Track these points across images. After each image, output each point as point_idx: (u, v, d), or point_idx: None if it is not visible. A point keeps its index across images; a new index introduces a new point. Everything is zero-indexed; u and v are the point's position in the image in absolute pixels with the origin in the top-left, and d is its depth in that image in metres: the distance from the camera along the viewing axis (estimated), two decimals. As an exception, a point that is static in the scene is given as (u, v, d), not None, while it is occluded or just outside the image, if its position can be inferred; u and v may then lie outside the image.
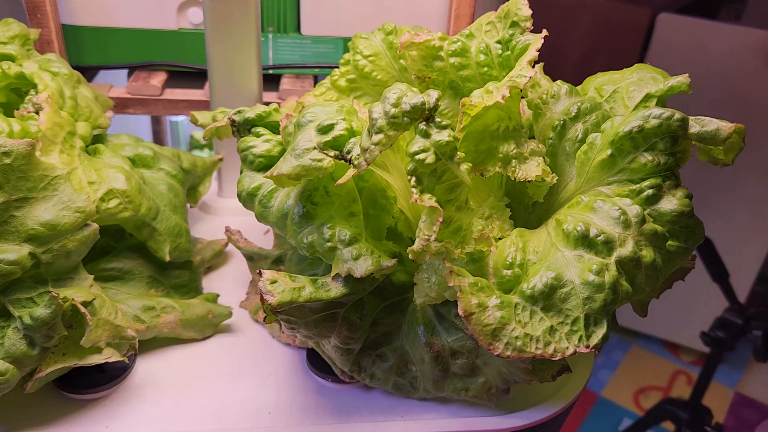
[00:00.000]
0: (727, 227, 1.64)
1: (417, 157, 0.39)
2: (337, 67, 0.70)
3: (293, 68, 0.75)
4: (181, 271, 0.56)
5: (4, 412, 0.46)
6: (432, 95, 0.40)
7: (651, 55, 1.59)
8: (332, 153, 0.42)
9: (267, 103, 0.52)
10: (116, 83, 0.74)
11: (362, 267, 0.41)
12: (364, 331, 0.46)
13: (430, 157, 0.39)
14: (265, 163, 0.48)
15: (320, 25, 0.73)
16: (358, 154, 0.41)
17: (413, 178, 0.39)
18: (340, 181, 0.40)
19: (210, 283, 0.60)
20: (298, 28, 0.73)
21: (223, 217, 0.68)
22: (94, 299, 0.45)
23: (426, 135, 0.39)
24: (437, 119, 0.39)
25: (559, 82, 0.52)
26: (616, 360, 1.92)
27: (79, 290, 0.45)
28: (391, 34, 0.58)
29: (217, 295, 0.57)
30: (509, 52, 0.50)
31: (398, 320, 0.47)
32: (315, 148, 0.42)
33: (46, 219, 0.44)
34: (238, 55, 0.61)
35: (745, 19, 1.82)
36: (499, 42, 0.51)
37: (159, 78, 0.72)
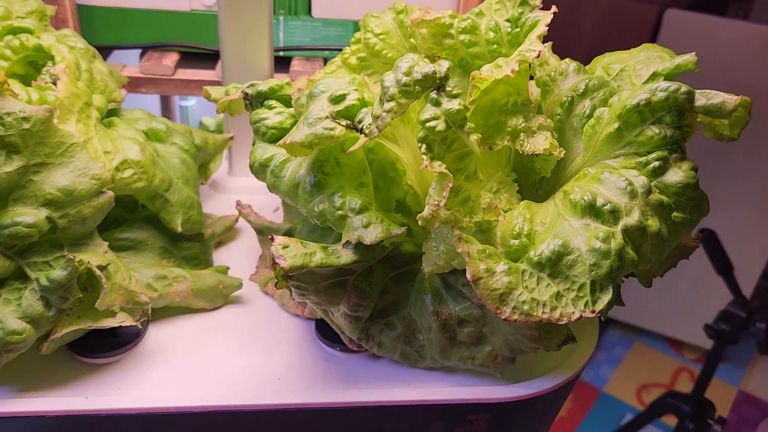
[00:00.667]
0: (733, 222, 1.64)
1: (428, 124, 0.40)
2: (347, 50, 0.71)
3: (303, 50, 0.75)
4: (192, 243, 0.57)
5: (20, 374, 0.47)
6: (443, 65, 0.40)
7: (658, 51, 1.59)
8: (344, 122, 0.43)
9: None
10: (129, 63, 0.75)
11: (372, 234, 0.41)
12: (372, 299, 0.47)
13: (440, 125, 0.40)
14: (277, 135, 0.49)
15: (331, 8, 0.74)
16: (370, 123, 0.42)
17: (424, 146, 0.40)
18: (352, 148, 0.41)
19: (220, 257, 0.61)
20: (308, 11, 0.74)
21: (233, 194, 0.69)
22: (108, 264, 0.46)
23: (437, 103, 0.40)
24: (448, 88, 0.40)
25: (567, 60, 0.53)
26: (618, 356, 1.92)
27: (95, 255, 0.46)
28: (402, 12, 0.59)
29: (227, 268, 0.58)
30: (518, 29, 0.51)
31: (406, 290, 0.48)
32: (327, 117, 0.43)
33: (63, 184, 0.45)
34: (250, 36, 0.62)
35: (752, 16, 1.82)
36: (508, 20, 0.52)
37: (171, 58, 0.73)
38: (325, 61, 0.77)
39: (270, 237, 0.43)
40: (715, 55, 1.54)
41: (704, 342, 1.79)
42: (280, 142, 0.44)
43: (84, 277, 0.45)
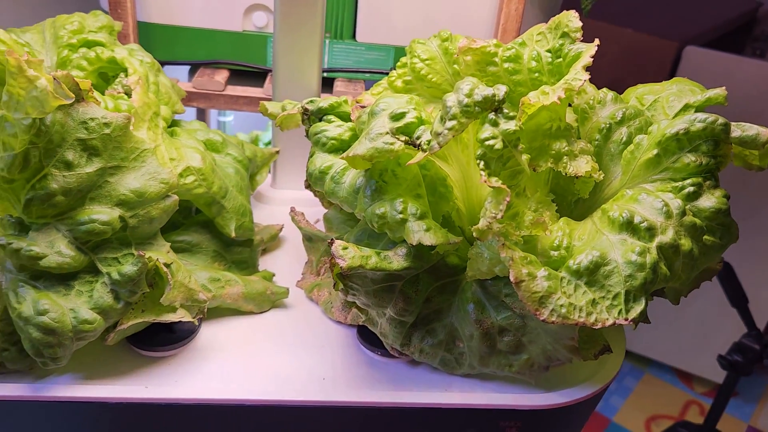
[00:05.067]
0: (748, 255, 1.66)
1: (486, 142, 0.43)
2: (387, 74, 0.75)
3: (346, 72, 0.79)
4: (242, 248, 0.60)
5: (85, 362, 0.50)
6: (501, 89, 0.44)
7: (676, 87, 1.63)
8: (403, 138, 0.46)
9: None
10: (180, 79, 0.79)
11: (432, 238, 0.45)
12: (417, 305, 0.50)
13: (498, 144, 0.43)
14: (336, 146, 0.52)
15: (374, 33, 0.78)
16: (429, 139, 0.45)
17: (482, 162, 0.43)
18: (413, 160, 0.45)
19: (265, 263, 0.64)
20: (353, 35, 0.78)
21: (276, 206, 0.72)
22: (172, 263, 0.49)
23: (495, 124, 0.43)
24: (505, 110, 0.44)
25: (604, 89, 0.56)
26: (628, 387, 1.93)
27: (160, 253, 0.49)
28: (447, 40, 0.62)
29: (273, 274, 0.61)
30: (560, 60, 0.54)
31: (449, 300, 0.51)
32: (387, 133, 0.46)
33: (135, 187, 0.48)
34: (302, 58, 0.66)
35: (770, 56, 1.86)
36: (549, 51, 0.56)
37: (222, 75, 0.77)
38: (366, 82, 0.80)
39: (330, 240, 0.46)
40: (732, 92, 1.57)
41: (714, 375, 1.80)
42: (344, 154, 0.47)
43: (151, 273, 0.48)
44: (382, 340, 0.53)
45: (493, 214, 0.43)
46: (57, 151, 0.45)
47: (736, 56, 1.62)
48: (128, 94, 0.55)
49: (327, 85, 0.80)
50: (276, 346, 0.54)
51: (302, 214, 0.62)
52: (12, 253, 0.45)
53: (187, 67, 0.82)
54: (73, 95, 0.43)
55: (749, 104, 1.57)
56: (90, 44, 0.59)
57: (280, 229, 0.66)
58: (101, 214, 0.47)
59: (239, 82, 0.78)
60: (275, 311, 0.58)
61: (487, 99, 0.44)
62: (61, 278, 0.47)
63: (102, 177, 0.47)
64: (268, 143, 1.13)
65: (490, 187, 0.43)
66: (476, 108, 0.44)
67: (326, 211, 0.66)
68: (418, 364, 0.54)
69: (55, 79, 0.42)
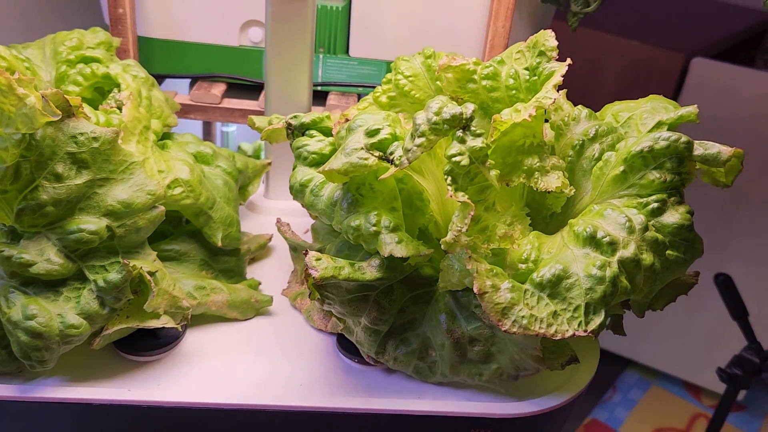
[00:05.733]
0: (750, 268, 1.66)
1: (454, 159, 0.45)
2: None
3: (339, 86, 0.81)
4: (229, 258, 0.62)
5: (71, 366, 0.52)
6: (468, 107, 0.46)
7: (683, 99, 1.64)
8: (377, 153, 0.48)
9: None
10: (180, 91, 0.82)
11: (403, 250, 0.46)
12: (391, 315, 0.51)
13: (465, 160, 0.45)
14: (317, 160, 0.54)
15: (366, 48, 0.80)
16: (401, 155, 0.47)
17: (449, 178, 0.45)
18: (384, 175, 0.47)
19: (253, 272, 0.66)
20: (346, 50, 0.81)
21: (268, 216, 0.75)
22: (156, 271, 0.51)
23: (462, 141, 0.45)
24: (472, 128, 0.45)
25: (579, 106, 0.57)
26: (634, 399, 1.92)
27: (145, 262, 0.52)
28: (430, 57, 0.64)
29: (259, 283, 0.63)
30: (536, 78, 0.56)
31: (422, 309, 0.53)
32: (362, 148, 0.48)
33: (122, 198, 0.50)
34: (293, 71, 0.68)
35: (778, 68, 1.86)
36: (527, 69, 0.57)
37: (219, 88, 0.79)
38: (359, 96, 0.82)
39: (304, 251, 0.48)
40: (740, 105, 1.57)
41: (722, 388, 1.79)
42: (321, 168, 0.49)
43: (135, 281, 0.51)
44: (359, 349, 0.54)
45: (459, 228, 0.44)
46: (48, 163, 0.48)
47: (744, 68, 1.61)
48: (120, 108, 0.58)
49: (321, 98, 0.82)
50: (257, 353, 0.56)
51: (288, 224, 0.64)
52: (3, 260, 0.48)
53: (188, 80, 0.85)
54: (60, 112, 0.46)
55: (757, 117, 1.57)
56: (87, 60, 0.61)
57: (269, 239, 0.68)
58: (89, 224, 0.49)
59: (236, 95, 0.81)
60: (259, 319, 0.60)
61: (455, 117, 0.45)
62: (50, 285, 0.49)
63: (91, 188, 0.50)
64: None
65: (457, 201, 0.45)
66: (444, 126, 0.45)
67: (314, 222, 0.68)
68: (394, 372, 0.55)
69: (43, 96, 0.44)
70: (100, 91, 0.62)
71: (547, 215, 0.57)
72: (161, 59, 0.79)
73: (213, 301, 0.58)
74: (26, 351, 0.47)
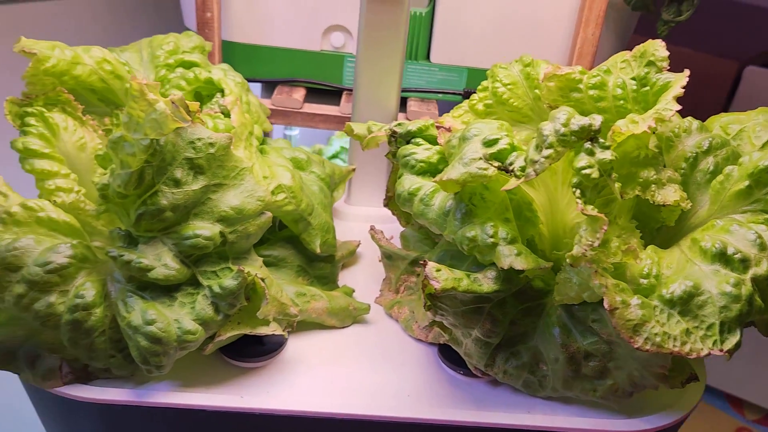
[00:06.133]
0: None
1: (583, 171, 0.44)
2: (459, 94, 0.76)
3: (419, 92, 0.81)
4: (324, 264, 0.62)
5: (180, 372, 0.52)
6: (597, 118, 0.45)
7: (735, 107, 1.61)
8: (496, 164, 0.47)
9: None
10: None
11: (523, 262, 0.46)
12: (504, 327, 0.51)
13: (594, 173, 0.44)
14: (424, 168, 0.54)
15: (448, 54, 0.79)
16: (522, 165, 0.46)
17: (578, 191, 0.44)
18: (506, 187, 0.46)
19: (343, 278, 0.66)
20: (427, 56, 0.80)
21: (350, 222, 0.74)
22: (266, 278, 0.51)
23: (591, 153, 0.44)
24: (600, 140, 0.45)
25: (689, 118, 0.56)
26: (676, 410, 1.90)
27: (254, 268, 0.51)
28: (529, 65, 0.64)
29: (353, 290, 0.63)
30: (647, 88, 0.55)
31: (534, 322, 0.52)
32: (481, 158, 0.48)
33: (235, 204, 0.50)
34: (384, 78, 0.68)
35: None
36: (633, 78, 0.56)
37: (300, 93, 0.79)
38: (438, 102, 0.82)
39: (422, 261, 0.47)
40: (794, 114, 1.55)
41: (766, 402, 1.76)
42: (436, 177, 0.49)
43: (248, 288, 0.50)
44: (464, 360, 0.54)
45: (590, 242, 0.44)
46: (168, 169, 0.47)
47: (798, 77, 1.59)
48: (224, 113, 0.57)
49: (401, 104, 0.82)
50: (359, 362, 0.56)
51: (382, 232, 0.63)
52: (123, 264, 0.48)
53: (259, 85, 0.85)
54: (189, 118, 0.45)
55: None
56: (186, 64, 0.61)
57: (358, 245, 0.68)
58: (204, 229, 0.49)
59: (314, 100, 0.81)
60: (356, 326, 0.60)
61: (583, 128, 0.45)
62: (165, 290, 0.49)
63: (205, 194, 0.50)
64: (331, 158, 1.15)
65: (585, 215, 0.44)
66: (572, 137, 0.45)
67: (402, 229, 0.68)
68: (499, 384, 0.54)
69: (173, 102, 0.44)
70: (197, 96, 0.62)
71: (654, 228, 0.56)
72: (243, 63, 0.79)
73: (313, 308, 0.57)
74: (145, 356, 0.47)
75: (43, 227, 0.49)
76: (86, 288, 0.47)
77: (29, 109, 0.52)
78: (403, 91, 0.81)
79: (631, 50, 0.58)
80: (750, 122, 0.57)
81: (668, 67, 0.55)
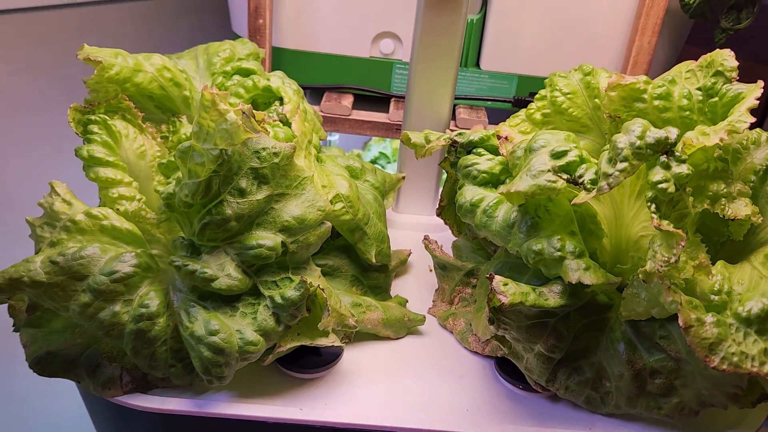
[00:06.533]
0: None
1: (659, 186, 0.43)
2: (510, 102, 0.76)
3: (469, 99, 0.80)
4: (378, 274, 0.61)
5: (238, 383, 0.52)
6: (672, 131, 0.44)
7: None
8: (565, 176, 0.47)
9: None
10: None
11: (592, 277, 0.45)
12: (568, 342, 0.50)
13: (671, 187, 0.43)
14: (487, 178, 0.53)
15: (498, 62, 0.78)
16: (592, 178, 0.45)
17: (653, 205, 0.43)
18: (578, 201, 0.45)
19: (395, 288, 0.65)
20: (477, 63, 0.79)
21: (399, 230, 0.74)
22: (325, 288, 0.51)
23: (667, 167, 0.43)
24: (677, 153, 0.44)
25: (758, 130, 0.55)
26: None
27: (313, 278, 0.51)
28: (589, 74, 0.62)
29: (407, 300, 0.62)
30: (715, 99, 0.54)
31: (596, 338, 0.51)
32: (549, 170, 0.47)
33: (296, 214, 0.50)
34: (437, 87, 0.67)
35: None
36: (699, 89, 0.55)
37: (348, 100, 0.79)
38: (487, 110, 0.81)
39: (489, 275, 0.47)
40: None
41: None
42: (502, 189, 0.48)
43: (309, 298, 0.50)
44: (524, 374, 0.53)
45: (666, 258, 0.43)
46: (233, 178, 0.47)
47: None
48: (283, 122, 0.57)
49: (448, 111, 0.81)
50: (416, 374, 0.55)
51: (436, 242, 0.63)
52: (187, 274, 0.47)
53: (306, 92, 0.84)
54: (260, 129, 0.45)
55: None
56: (243, 72, 0.61)
57: (409, 255, 0.67)
58: (266, 239, 0.49)
59: (362, 107, 0.80)
60: (411, 338, 0.59)
61: (659, 141, 0.43)
62: (226, 300, 0.49)
63: (269, 204, 0.49)
64: (373, 161, 1.15)
65: (660, 230, 0.43)
66: (648, 150, 0.44)
67: (453, 239, 0.67)
68: (559, 400, 0.53)
69: (243, 113, 0.44)
70: (254, 103, 0.62)
71: (718, 242, 0.55)
72: (293, 70, 0.78)
73: (369, 318, 0.57)
74: (207, 366, 0.47)
75: (107, 236, 0.49)
76: (150, 297, 0.47)
77: (92, 117, 0.52)
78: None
79: (685, 60, 0.57)
80: (820, 135, 0.55)
81: (737, 77, 0.54)
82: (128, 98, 0.55)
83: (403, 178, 0.72)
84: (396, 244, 0.69)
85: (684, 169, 0.44)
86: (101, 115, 0.53)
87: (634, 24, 0.72)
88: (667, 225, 0.43)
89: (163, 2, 0.97)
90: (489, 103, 0.80)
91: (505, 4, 0.74)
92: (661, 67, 0.77)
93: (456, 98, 0.81)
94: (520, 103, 0.76)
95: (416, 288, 0.66)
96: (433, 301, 0.63)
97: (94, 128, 0.52)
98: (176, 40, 0.95)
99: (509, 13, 0.75)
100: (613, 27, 0.74)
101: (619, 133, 0.45)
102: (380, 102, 0.82)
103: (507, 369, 0.55)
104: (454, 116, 0.79)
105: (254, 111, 0.48)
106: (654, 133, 0.44)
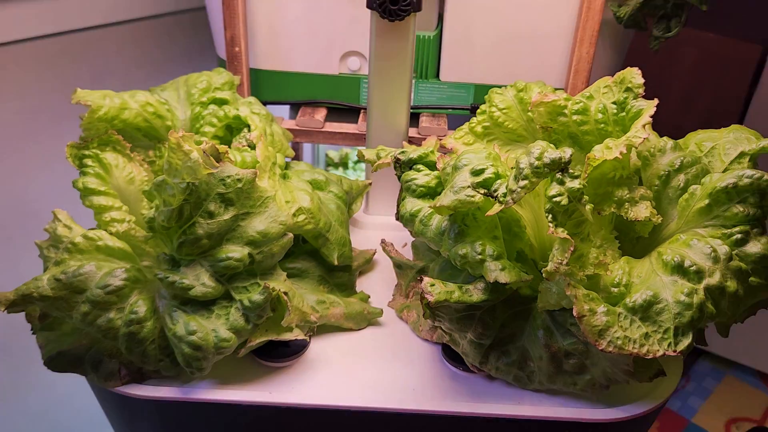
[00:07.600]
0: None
1: (554, 199, 0.51)
2: (468, 110, 0.83)
3: (430, 108, 0.88)
4: (342, 273, 0.70)
5: (219, 372, 0.61)
6: (566, 152, 0.52)
7: (760, 92, 1.62)
8: (482, 191, 0.55)
9: (410, 141, 0.65)
10: (284, 116, 0.90)
11: (507, 276, 0.53)
12: (494, 330, 0.58)
13: (564, 200, 0.51)
14: (424, 192, 0.61)
15: (456, 73, 0.86)
16: (504, 193, 0.53)
17: (550, 216, 0.51)
18: (490, 212, 0.53)
19: (360, 285, 0.74)
20: (437, 75, 0.87)
21: (369, 230, 0.82)
22: (288, 291, 0.60)
23: (561, 182, 0.51)
24: (570, 170, 0.51)
25: (665, 138, 0.62)
26: (708, 388, 1.93)
27: (278, 282, 0.60)
28: (522, 91, 0.70)
29: (368, 296, 0.71)
30: (624, 113, 0.61)
31: (521, 325, 0.59)
32: (469, 186, 0.55)
33: (260, 229, 0.59)
34: (393, 99, 0.75)
35: None
36: (614, 102, 0.63)
37: (321, 113, 0.87)
38: (448, 116, 0.89)
39: (419, 277, 0.55)
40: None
41: (798, 381, 1.78)
42: (432, 204, 0.56)
43: (273, 300, 0.59)
44: (463, 358, 0.62)
45: (560, 261, 0.51)
46: (203, 203, 0.56)
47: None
48: (251, 146, 0.66)
49: (414, 119, 0.89)
50: (373, 360, 0.64)
51: (392, 244, 0.71)
52: (168, 284, 0.57)
53: (287, 106, 0.93)
54: (218, 164, 0.54)
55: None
56: (217, 101, 0.70)
57: (373, 254, 0.76)
58: (235, 252, 0.58)
59: (335, 119, 0.88)
60: (371, 328, 0.68)
61: (554, 161, 0.51)
62: (203, 304, 0.58)
63: (235, 222, 0.58)
64: (357, 162, 1.23)
65: (556, 236, 0.51)
66: (545, 169, 0.52)
67: (414, 239, 0.76)
68: (494, 379, 0.62)
69: (204, 152, 0.53)
70: (229, 128, 0.71)
71: (634, 238, 0.63)
72: (269, 88, 0.87)
73: (332, 313, 0.66)
74: (188, 360, 0.56)
75: (102, 253, 0.58)
76: (138, 305, 0.57)
77: (86, 152, 0.62)
78: (416, 107, 0.88)
79: (626, 67, 0.64)
80: (722, 139, 0.62)
81: (643, 93, 0.61)
82: (117, 132, 0.64)
83: (370, 184, 0.81)
84: (366, 243, 0.78)
85: (576, 183, 0.52)
86: (94, 150, 0.62)
87: (575, 36, 0.79)
88: (561, 232, 0.51)
89: (161, 21, 1.06)
90: (449, 110, 0.88)
91: (458, 21, 0.82)
92: (606, 71, 0.84)
93: (419, 107, 0.88)
94: (477, 110, 0.83)
95: (381, 284, 0.75)
96: (392, 296, 0.72)
97: (88, 162, 0.61)
98: (170, 57, 1.03)
99: (462, 28, 0.82)
100: (556, 39, 0.81)
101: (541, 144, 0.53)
102: (352, 113, 0.90)
103: (451, 353, 0.64)
104: (417, 124, 0.87)
105: (217, 146, 0.56)
106: (550, 154, 0.51)
